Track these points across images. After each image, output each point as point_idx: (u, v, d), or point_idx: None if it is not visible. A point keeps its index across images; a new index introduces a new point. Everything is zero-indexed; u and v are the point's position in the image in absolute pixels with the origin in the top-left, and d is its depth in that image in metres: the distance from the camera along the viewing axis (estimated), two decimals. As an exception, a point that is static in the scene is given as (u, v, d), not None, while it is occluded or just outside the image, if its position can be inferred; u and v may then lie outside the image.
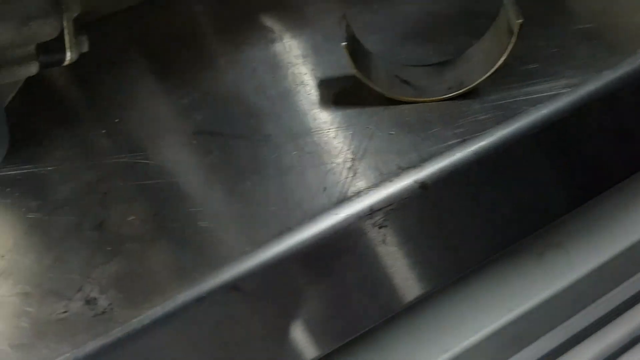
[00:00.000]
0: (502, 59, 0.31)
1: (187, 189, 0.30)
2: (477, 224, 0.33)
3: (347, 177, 0.29)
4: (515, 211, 0.34)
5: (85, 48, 0.33)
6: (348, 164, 0.30)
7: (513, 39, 0.30)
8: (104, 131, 0.33)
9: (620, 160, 0.36)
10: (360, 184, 0.29)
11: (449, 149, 0.30)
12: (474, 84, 0.32)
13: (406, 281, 0.32)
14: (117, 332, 0.25)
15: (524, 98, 0.32)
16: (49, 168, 0.31)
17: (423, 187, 0.29)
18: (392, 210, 0.29)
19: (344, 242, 0.29)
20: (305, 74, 0.36)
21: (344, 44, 0.31)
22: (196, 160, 0.31)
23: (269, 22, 0.39)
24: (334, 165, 0.30)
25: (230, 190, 0.30)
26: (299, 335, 0.30)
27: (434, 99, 0.33)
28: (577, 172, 0.35)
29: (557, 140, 0.32)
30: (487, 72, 0.31)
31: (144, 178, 0.31)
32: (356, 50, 0.33)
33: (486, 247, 0.34)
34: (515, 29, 0.30)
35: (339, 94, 0.34)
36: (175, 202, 0.29)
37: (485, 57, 0.32)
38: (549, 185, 0.34)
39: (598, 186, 0.37)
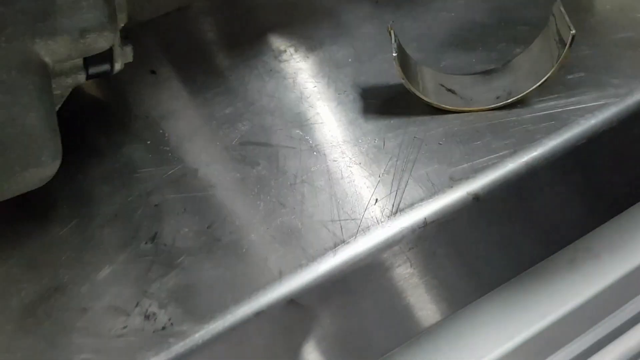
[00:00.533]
0: (553, 69, 0.31)
1: (238, 200, 0.30)
2: (527, 233, 0.33)
3: (398, 189, 0.29)
4: (563, 220, 0.34)
5: (130, 58, 0.32)
6: (399, 175, 0.30)
7: (565, 50, 0.30)
8: (149, 142, 0.33)
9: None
10: (413, 195, 0.29)
11: (501, 159, 0.30)
12: (523, 94, 0.32)
13: (456, 291, 0.32)
14: (178, 348, 0.25)
15: (573, 108, 0.32)
16: (97, 180, 0.31)
17: (476, 198, 0.29)
18: (446, 222, 0.29)
19: (398, 254, 0.29)
20: (348, 82, 0.36)
21: (394, 54, 0.30)
22: (244, 171, 0.31)
23: (307, 30, 0.39)
24: (385, 175, 0.30)
25: (282, 202, 0.30)
26: (353, 346, 0.30)
27: (482, 108, 0.33)
28: (620, 181, 0.35)
29: (604, 150, 0.32)
30: (536, 82, 0.31)
31: (194, 190, 0.30)
32: (403, 60, 0.32)
33: (533, 255, 0.34)
34: (568, 40, 0.29)
35: (383, 103, 0.34)
36: (227, 214, 0.29)
37: (533, 67, 0.32)
38: (594, 193, 0.34)
39: (637, 194, 0.37)
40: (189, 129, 0.34)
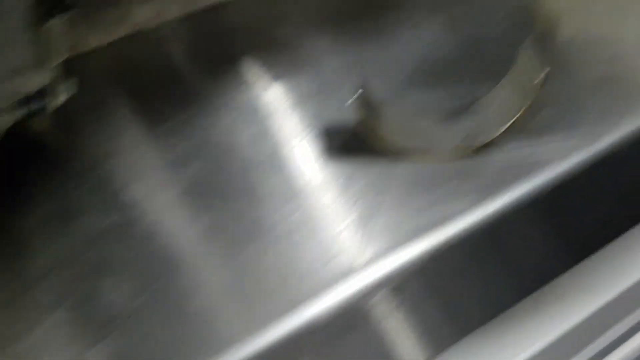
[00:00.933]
0: (522, 111, 0.29)
1: (181, 256, 0.28)
2: (499, 278, 0.31)
3: (356, 243, 0.27)
4: (534, 264, 0.32)
5: (73, 90, 0.30)
6: (357, 228, 0.28)
7: (536, 90, 0.28)
8: (88, 186, 0.30)
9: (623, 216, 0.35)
10: (372, 250, 0.27)
11: (466, 209, 0.28)
12: (490, 138, 0.30)
13: (414, 348, 0.30)
14: None
15: (542, 150, 0.30)
16: (32, 228, 0.28)
17: (439, 251, 0.28)
18: (407, 278, 0.27)
19: (356, 314, 0.27)
20: (310, 118, 0.34)
21: (355, 96, 0.29)
22: (191, 221, 0.29)
23: (266, 62, 0.37)
24: (341, 228, 0.28)
25: (229, 258, 0.27)
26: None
27: (447, 151, 0.31)
28: (591, 224, 0.34)
29: (575, 194, 0.31)
30: (505, 124, 0.30)
31: (138, 241, 0.28)
32: (365, 100, 0.31)
33: (505, 299, 0.33)
34: (540, 80, 0.28)
35: (347, 142, 0.32)
36: (174, 269, 0.27)
37: (501, 107, 0.31)
38: (564, 237, 0.33)
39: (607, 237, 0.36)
40: (136, 170, 0.31)
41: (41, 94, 0.28)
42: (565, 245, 0.34)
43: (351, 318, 0.27)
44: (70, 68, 0.30)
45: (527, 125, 0.32)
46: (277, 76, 0.37)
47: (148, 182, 0.31)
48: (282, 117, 0.34)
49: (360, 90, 0.29)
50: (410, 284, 0.27)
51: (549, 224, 0.31)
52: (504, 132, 0.30)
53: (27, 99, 0.27)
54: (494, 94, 0.32)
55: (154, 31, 0.40)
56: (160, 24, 0.40)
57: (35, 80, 0.24)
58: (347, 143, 0.32)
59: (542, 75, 0.28)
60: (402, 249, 0.27)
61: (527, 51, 0.30)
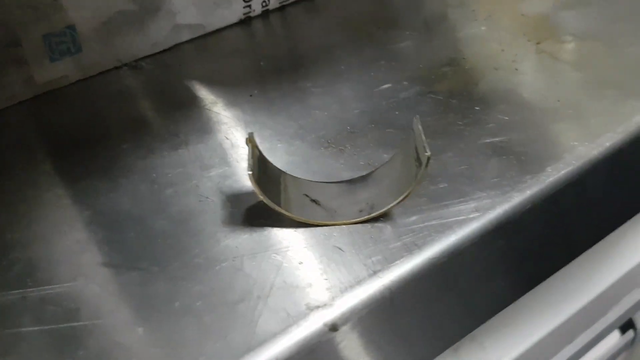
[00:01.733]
0: (411, 188, 0.30)
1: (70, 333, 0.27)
2: (394, 355, 0.32)
3: (251, 321, 0.27)
4: (428, 334, 0.33)
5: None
6: (253, 304, 0.28)
7: (422, 171, 0.29)
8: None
9: (530, 273, 0.36)
10: (266, 329, 0.27)
11: (360, 283, 0.29)
12: (384, 209, 0.31)
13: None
14: None
15: (434, 223, 0.31)
16: None
17: (333, 329, 0.28)
18: (301, 358, 0.27)
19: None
20: (212, 188, 0.34)
21: (249, 172, 0.29)
22: (86, 296, 0.28)
23: (174, 124, 0.37)
24: (238, 305, 0.28)
25: (121, 334, 0.27)
26: None
27: (345, 222, 0.31)
28: (484, 293, 0.35)
29: (468, 263, 0.32)
30: (396, 198, 0.31)
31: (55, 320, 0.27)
32: (263, 170, 0.31)
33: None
34: (424, 161, 0.29)
35: (248, 212, 0.32)
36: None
37: (394, 181, 0.32)
38: (465, 301, 0.34)
39: (512, 296, 0.37)
40: (37, 247, 0.31)
41: None
42: (461, 314, 0.35)
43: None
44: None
45: (422, 196, 0.33)
46: (182, 143, 0.37)
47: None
48: (186, 184, 0.34)
49: (249, 171, 0.29)
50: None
51: (441, 297, 0.32)
52: (396, 204, 0.31)
53: None
54: (386, 167, 0.33)
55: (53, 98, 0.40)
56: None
57: None
58: (249, 213, 0.32)
59: (426, 158, 0.29)
60: (294, 328, 0.27)
61: (415, 131, 0.31)
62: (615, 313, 0.65)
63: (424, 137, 0.29)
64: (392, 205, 0.31)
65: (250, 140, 0.30)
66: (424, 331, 0.33)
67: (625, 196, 0.42)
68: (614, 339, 0.81)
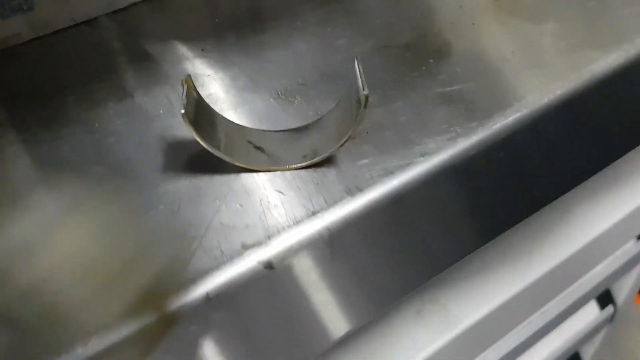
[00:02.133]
0: (351, 130, 0.30)
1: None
2: (336, 298, 0.31)
3: (183, 260, 0.27)
4: (376, 281, 0.32)
5: None
6: (187, 244, 0.28)
7: (361, 111, 0.29)
8: None
9: (477, 228, 0.36)
10: (199, 266, 0.27)
11: (297, 224, 0.28)
12: (326, 154, 0.31)
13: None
14: None
15: (377, 168, 0.31)
16: None
17: (268, 266, 0.27)
18: (234, 295, 0.27)
19: (181, 330, 0.26)
20: (154, 137, 0.33)
21: (182, 111, 0.28)
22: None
23: (122, 79, 0.37)
24: (171, 245, 0.28)
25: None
26: None
27: (288, 167, 0.31)
28: (435, 238, 0.34)
29: (413, 207, 0.32)
30: (338, 143, 0.30)
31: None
32: (203, 114, 0.31)
33: (357, 316, 0.33)
34: (362, 100, 0.29)
35: (189, 161, 0.32)
36: None
37: (338, 126, 0.31)
38: (410, 250, 0.33)
39: (464, 249, 0.37)
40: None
41: None
42: (412, 261, 0.34)
43: (180, 329, 0.26)
44: None
45: (368, 143, 0.32)
46: (127, 95, 0.36)
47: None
48: (128, 134, 0.33)
49: (183, 111, 0.28)
50: (222, 314, 0.27)
51: (384, 242, 0.32)
52: (341, 148, 0.31)
53: None
54: (331, 113, 0.32)
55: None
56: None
57: None
58: (190, 161, 0.32)
59: (364, 97, 0.28)
60: (228, 265, 0.27)
61: (357, 72, 0.30)
62: (591, 281, 0.65)
63: (362, 77, 0.29)
64: (334, 149, 0.30)
65: (186, 82, 0.30)
66: (366, 277, 0.32)
67: (588, 151, 0.42)
68: (593, 313, 0.81)
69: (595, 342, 0.87)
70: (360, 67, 0.30)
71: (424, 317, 0.46)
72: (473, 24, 0.41)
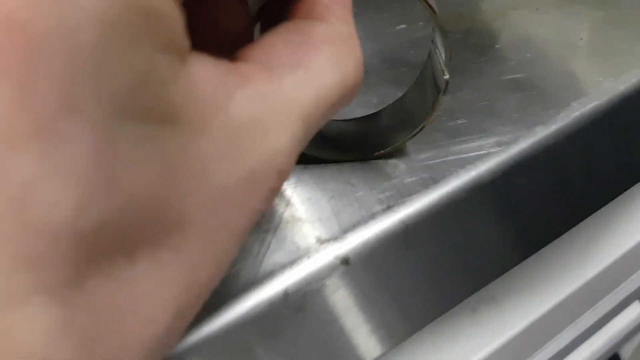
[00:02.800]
0: (427, 118, 0.28)
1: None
2: (407, 295, 0.30)
3: (258, 254, 0.26)
4: (448, 277, 0.31)
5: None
6: (262, 237, 0.26)
7: (440, 98, 0.27)
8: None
9: (554, 219, 0.34)
10: (274, 261, 0.25)
11: (373, 217, 0.27)
12: (397, 144, 0.29)
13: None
14: None
15: (453, 158, 0.29)
16: None
17: (345, 262, 0.26)
18: (311, 291, 0.25)
19: (259, 329, 0.25)
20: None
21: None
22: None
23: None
24: (251, 238, 0.26)
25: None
26: None
27: (357, 158, 0.30)
28: (503, 235, 0.33)
29: (488, 201, 0.30)
30: (411, 132, 0.29)
31: None
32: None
33: (419, 318, 0.31)
34: (442, 86, 0.27)
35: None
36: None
37: (409, 114, 0.30)
38: (483, 246, 0.32)
39: (533, 246, 0.35)
40: None
41: None
42: (477, 260, 0.33)
43: (259, 329, 0.25)
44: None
45: (439, 131, 0.31)
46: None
47: None
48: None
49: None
50: (301, 309, 0.26)
51: (457, 237, 0.30)
52: (411, 139, 0.29)
53: None
54: (401, 100, 0.31)
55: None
56: None
57: None
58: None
59: (444, 82, 0.27)
60: (304, 260, 0.26)
61: (432, 57, 0.28)
62: (637, 281, 0.63)
63: (442, 60, 0.27)
64: (406, 139, 0.29)
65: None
66: (438, 274, 0.31)
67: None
68: (635, 313, 0.79)
69: (635, 341, 0.85)
70: (441, 50, 0.28)
71: (479, 316, 0.45)
72: (537, 9, 0.40)
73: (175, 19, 0.12)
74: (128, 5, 0.11)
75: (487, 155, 0.29)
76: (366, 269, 0.27)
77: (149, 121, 0.11)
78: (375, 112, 0.31)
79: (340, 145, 0.30)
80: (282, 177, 0.16)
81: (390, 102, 0.32)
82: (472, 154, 0.29)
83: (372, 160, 0.30)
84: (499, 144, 0.30)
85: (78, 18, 0.10)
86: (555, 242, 0.37)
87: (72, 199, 0.10)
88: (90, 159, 0.10)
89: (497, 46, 0.36)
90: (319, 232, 0.26)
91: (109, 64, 0.10)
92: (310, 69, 0.17)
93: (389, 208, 0.27)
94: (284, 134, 0.15)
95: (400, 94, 0.33)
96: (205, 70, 0.14)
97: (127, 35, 0.11)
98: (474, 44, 0.36)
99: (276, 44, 0.17)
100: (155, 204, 0.12)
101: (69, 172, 0.10)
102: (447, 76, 0.27)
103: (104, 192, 0.11)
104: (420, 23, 0.38)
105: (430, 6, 0.25)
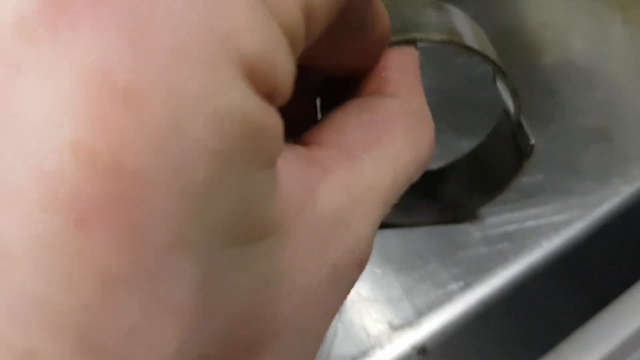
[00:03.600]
0: (506, 184, 0.25)
1: None
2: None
3: (325, 342, 0.23)
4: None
5: None
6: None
7: (525, 164, 0.24)
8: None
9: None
10: (343, 351, 0.23)
11: (449, 297, 0.24)
12: (472, 209, 0.26)
13: None
14: None
15: (532, 224, 0.26)
16: None
17: (422, 352, 0.23)
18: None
19: None
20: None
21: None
22: None
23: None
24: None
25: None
26: None
27: (423, 222, 0.27)
28: (583, 308, 0.30)
29: (568, 274, 0.27)
30: (488, 196, 0.26)
31: None
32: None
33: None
34: (527, 151, 0.24)
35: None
36: None
37: (481, 174, 0.27)
38: (562, 319, 0.29)
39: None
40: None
41: None
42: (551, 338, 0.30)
43: None
44: None
45: (513, 190, 0.28)
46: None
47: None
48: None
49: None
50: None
51: (533, 313, 0.27)
52: (492, 198, 0.26)
53: None
54: (473, 155, 0.28)
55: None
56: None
57: None
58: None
59: (529, 147, 0.24)
60: (377, 350, 0.23)
61: (509, 111, 0.25)
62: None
63: (525, 121, 0.25)
64: (483, 204, 0.26)
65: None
66: (515, 348, 0.28)
67: None
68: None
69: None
70: (519, 104, 0.25)
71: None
72: (603, 41, 0.36)
73: (279, 132, 0.11)
74: (242, 131, 0.10)
75: (571, 220, 0.27)
76: (444, 357, 0.24)
77: (249, 242, 0.11)
78: (443, 167, 0.29)
79: (403, 207, 0.28)
80: (363, 266, 0.16)
81: (456, 153, 0.29)
82: (554, 218, 0.27)
83: (441, 226, 0.27)
84: (583, 207, 0.27)
85: (192, 154, 0.09)
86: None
87: (177, 339, 0.10)
88: (195, 293, 0.10)
89: (568, 86, 0.33)
90: (391, 316, 0.24)
91: (217, 196, 0.10)
92: (387, 149, 0.16)
93: (466, 286, 0.25)
94: (366, 223, 0.15)
95: (465, 142, 0.30)
96: (291, 169, 0.13)
97: (238, 163, 0.10)
98: (542, 81, 0.33)
99: (349, 124, 0.16)
100: (252, 320, 0.12)
101: (175, 311, 0.10)
102: (532, 141, 0.24)
103: (206, 323, 0.11)
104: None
105: (500, 70, 0.23)
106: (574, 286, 0.27)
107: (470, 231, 0.26)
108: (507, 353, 0.26)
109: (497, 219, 0.27)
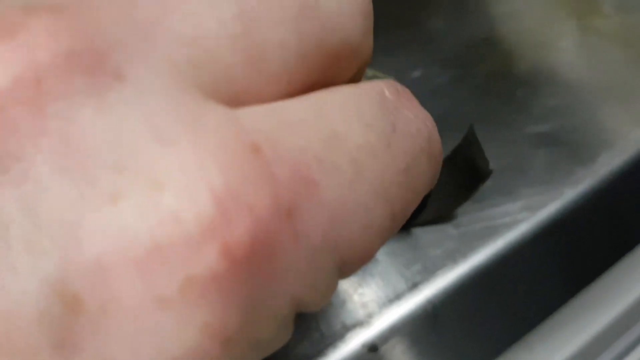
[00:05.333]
0: (457, 204, 0.27)
1: None
2: None
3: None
4: (472, 346, 0.30)
5: None
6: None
7: (480, 186, 0.26)
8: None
9: (573, 277, 0.33)
10: (299, 351, 0.25)
11: (399, 298, 0.26)
12: (420, 222, 0.28)
13: None
14: None
15: (478, 226, 0.28)
16: None
17: (373, 349, 0.25)
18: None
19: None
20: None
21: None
22: None
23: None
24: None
25: None
26: None
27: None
28: (534, 300, 0.32)
29: (514, 272, 0.29)
30: (439, 213, 0.28)
31: None
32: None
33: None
34: (485, 176, 0.26)
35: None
36: None
37: (437, 191, 0.28)
38: (506, 313, 0.31)
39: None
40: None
41: None
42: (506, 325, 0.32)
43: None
44: None
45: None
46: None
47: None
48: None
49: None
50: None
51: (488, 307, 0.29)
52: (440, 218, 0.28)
53: None
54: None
55: None
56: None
57: None
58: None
59: (485, 174, 0.26)
60: (330, 348, 0.25)
61: (471, 138, 0.27)
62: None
63: (481, 147, 0.26)
64: (429, 219, 0.28)
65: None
66: (467, 344, 0.30)
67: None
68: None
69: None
70: (474, 136, 0.26)
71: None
72: (558, 47, 0.38)
73: None
74: None
75: (515, 222, 0.28)
76: (393, 355, 0.26)
77: None
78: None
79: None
80: None
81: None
82: (499, 220, 0.28)
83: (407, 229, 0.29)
84: (526, 209, 0.29)
85: None
86: (583, 292, 0.35)
87: None
88: None
89: (519, 91, 0.35)
90: (343, 317, 0.26)
91: None
92: None
93: (414, 286, 0.26)
94: None
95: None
96: None
97: None
98: (497, 90, 0.35)
99: None
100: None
101: None
102: (490, 168, 0.26)
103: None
104: (437, 68, 0.37)
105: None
106: (515, 284, 0.29)
107: (421, 234, 0.28)
108: (459, 353, 0.28)
109: (448, 222, 0.28)
